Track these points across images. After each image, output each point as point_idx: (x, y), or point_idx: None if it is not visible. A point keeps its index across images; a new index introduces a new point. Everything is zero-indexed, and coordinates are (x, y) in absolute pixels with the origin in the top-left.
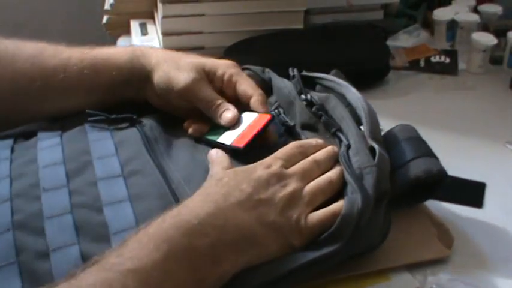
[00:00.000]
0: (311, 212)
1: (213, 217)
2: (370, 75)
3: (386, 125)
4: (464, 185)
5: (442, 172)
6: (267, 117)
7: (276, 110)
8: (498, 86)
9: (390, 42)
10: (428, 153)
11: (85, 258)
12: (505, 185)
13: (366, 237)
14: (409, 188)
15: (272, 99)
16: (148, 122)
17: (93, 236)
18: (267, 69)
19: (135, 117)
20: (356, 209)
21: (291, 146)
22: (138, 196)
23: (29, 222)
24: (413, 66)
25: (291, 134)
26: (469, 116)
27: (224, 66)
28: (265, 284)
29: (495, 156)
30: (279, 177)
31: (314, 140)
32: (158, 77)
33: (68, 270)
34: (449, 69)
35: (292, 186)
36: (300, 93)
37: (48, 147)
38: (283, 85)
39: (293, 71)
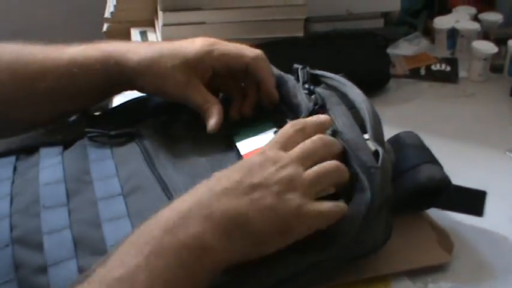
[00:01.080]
0: (315, 200)
1: (196, 209)
2: (370, 83)
3: (386, 132)
4: (465, 193)
5: (445, 179)
6: None
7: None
8: (498, 94)
9: (390, 51)
10: (432, 160)
11: (83, 273)
12: (505, 192)
13: (368, 239)
14: (412, 194)
15: None
16: (148, 133)
17: (91, 250)
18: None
19: (134, 131)
20: (365, 208)
21: (289, 127)
22: (137, 212)
23: (28, 237)
24: (414, 74)
25: None
26: (470, 124)
27: (205, 54)
28: None
29: (495, 164)
30: (275, 161)
31: (316, 117)
32: (144, 86)
33: (66, 284)
34: (450, 77)
35: (290, 169)
36: (304, 83)
37: (50, 166)
38: (288, 79)
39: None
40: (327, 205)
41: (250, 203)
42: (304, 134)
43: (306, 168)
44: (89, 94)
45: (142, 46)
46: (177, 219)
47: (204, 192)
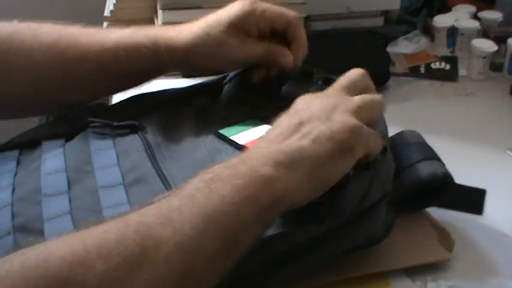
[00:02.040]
0: None
1: (253, 152)
2: None
3: None
4: (465, 191)
5: (447, 176)
6: None
7: None
8: (498, 93)
9: (390, 49)
10: (434, 158)
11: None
12: (505, 191)
13: (368, 228)
14: (414, 190)
15: None
16: (150, 126)
17: None
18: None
19: (137, 124)
20: (367, 186)
21: (357, 73)
22: (138, 202)
23: (29, 225)
24: (414, 72)
25: None
26: (469, 123)
27: (248, 13)
28: (268, 261)
29: (495, 162)
30: (334, 103)
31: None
32: (200, 62)
33: None
34: (450, 75)
35: (340, 98)
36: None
37: (52, 157)
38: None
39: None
40: (374, 131)
41: (302, 137)
42: (367, 86)
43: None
44: (132, 77)
45: (188, 26)
46: (237, 160)
47: (260, 142)
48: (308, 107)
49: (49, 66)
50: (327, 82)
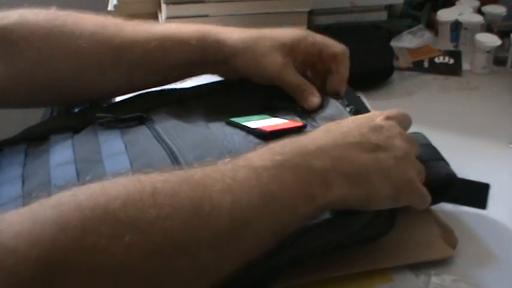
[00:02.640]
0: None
1: (329, 148)
2: (374, 75)
3: None
4: (468, 185)
5: (451, 176)
6: (300, 124)
7: None
8: (502, 87)
9: (394, 43)
10: (439, 158)
11: None
12: (509, 185)
13: (371, 224)
14: None
15: None
16: (157, 117)
17: None
18: None
19: (144, 115)
20: None
21: (402, 112)
22: None
23: None
24: (417, 66)
25: None
26: (473, 117)
27: (301, 39)
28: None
29: (499, 156)
30: (388, 129)
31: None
32: (241, 66)
33: None
34: (453, 70)
35: (404, 142)
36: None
37: (60, 150)
38: None
39: None
40: (426, 190)
41: (375, 160)
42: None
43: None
44: (178, 69)
45: (236, 30)
46: (312, 150)
47: (338, 138)
48: (391, 135)
49: (95, 53)
50: None
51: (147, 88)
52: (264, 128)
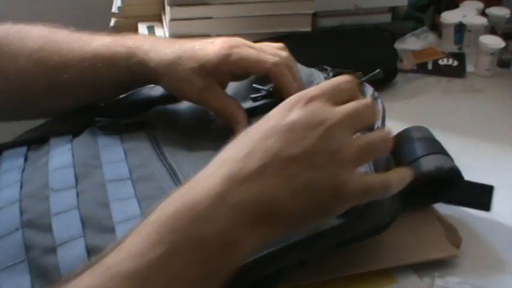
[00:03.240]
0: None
1: (226, 194)
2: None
3: (394, 127)
4: (472, 187)
5: (454, 170)
6: None
7: None
8: (506, 89)
9: (398, 45)
10: (441, 152)
11: (90, 251)
12: None
13: (372, 217)
14: (420, 183)
15: None
16: (158, 122)
17: (99, 228)
18: None
19: (144, 120)
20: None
21: (341, 78)
22: (146, 197)
23: (37, 220)
24: (421, 69)
25: None
26: (477, 119)
27: (222, 59)
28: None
29: (503, 158)
30: (321, 120)
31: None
32: (167, 88)
33: (74, 263)
34: (457, 72)
35: (338, 136)
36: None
37: (59, 153)
38: (306, 67)
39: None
40: (375, 179)
41: (286, 182)
42: (354, 92)
43: (354, 133)
44: (111, 88)
45: (165, 45)
46: (205, 208)
47: (234, 171)
48: (309, 132)
49: (33, 73)
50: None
51: (92, 104)
52: None
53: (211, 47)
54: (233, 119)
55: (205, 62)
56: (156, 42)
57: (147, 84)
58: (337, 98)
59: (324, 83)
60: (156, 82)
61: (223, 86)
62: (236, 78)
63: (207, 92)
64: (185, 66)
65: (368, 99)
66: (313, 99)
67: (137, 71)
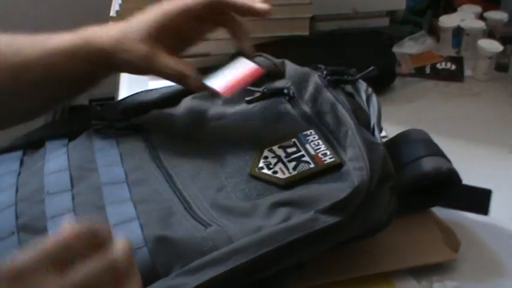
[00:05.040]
0: None
1: None
2: (375, 81)
3: (392, 131)
4: (470, 191)
5: (452, 171)
6: (261, 71)
7: (286, 90)
8: (504, 93)
9: (396, 49)
10: (439, 154)
11: None
12: (510, 191)
13: (369, 216)
14: (417, 184)
15: (281, 83)
16: (153, 126)
17: None
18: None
19: (140, 124)
20: (366, 181)
21: (73, 231)
22: (142, 200)
23: (33, 224)
24: (419, 72)
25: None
26: (475, 123)
27: (164, 17)
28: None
29: (500, 162)
30: None
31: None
32: (120, 67)
33: None
34: (455, 75)
35: None
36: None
37: (55, 157)
38: (300, 67)
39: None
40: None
41: None
42: (91, 247)
43: None
44: (76, 80)
45: (116, 26)
46: None
47: None
48: None
49: None
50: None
51: (65, 99)
52: (223, 93)
53: (153, 10)
54: (186, 80)
55: (149, 28)
56: (110, 27)
57: (111, 72)
58: (65, 261)
59: (46, 240)
60: (112, 64)
61: (173, 45)
62: (181, 43)
63: (155, 57)
64: (131, 38)
65: (115, 251)
66: (27, 270)
67: (95, 58)
